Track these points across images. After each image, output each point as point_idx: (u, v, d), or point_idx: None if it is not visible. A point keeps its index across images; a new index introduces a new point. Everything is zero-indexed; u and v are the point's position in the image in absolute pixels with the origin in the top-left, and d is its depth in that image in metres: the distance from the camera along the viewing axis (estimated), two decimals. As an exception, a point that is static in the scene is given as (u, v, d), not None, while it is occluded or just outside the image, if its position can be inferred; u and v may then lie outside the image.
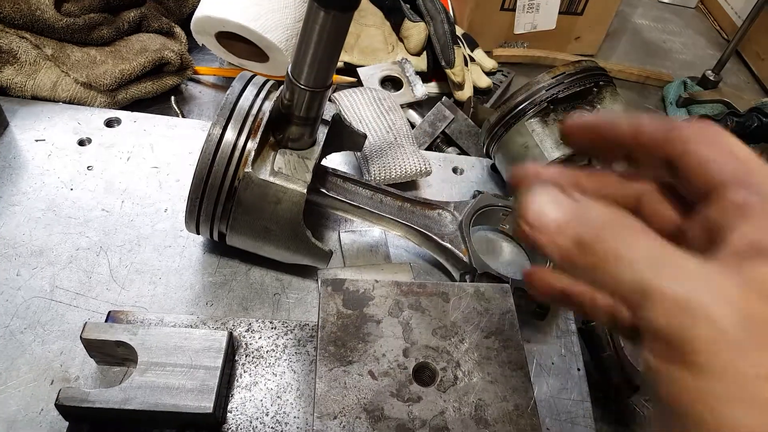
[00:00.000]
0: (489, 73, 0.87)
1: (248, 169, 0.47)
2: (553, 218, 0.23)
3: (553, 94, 0.60)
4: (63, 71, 0.68)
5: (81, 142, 0.64)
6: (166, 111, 0.74)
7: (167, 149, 0.65)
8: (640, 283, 0.21)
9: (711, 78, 0.95)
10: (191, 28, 0.72)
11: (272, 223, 0.49)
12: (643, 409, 0.57)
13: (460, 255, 0.55)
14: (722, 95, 0.92)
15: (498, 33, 0.92)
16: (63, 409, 0.41)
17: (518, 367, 0.43)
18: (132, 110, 0.69)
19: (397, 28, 0.84)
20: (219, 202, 0.48)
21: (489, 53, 0.91)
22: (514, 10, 0.90)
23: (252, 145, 0.48)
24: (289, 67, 0.45)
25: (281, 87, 0.50)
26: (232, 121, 0.48)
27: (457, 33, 0.84)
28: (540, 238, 0.23)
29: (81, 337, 0.44)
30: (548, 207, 0.23)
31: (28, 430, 0.44)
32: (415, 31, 0.80)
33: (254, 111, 0.49)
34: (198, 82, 0.80)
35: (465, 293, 0.48)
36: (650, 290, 0.20)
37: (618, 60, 1.03)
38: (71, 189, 0.60)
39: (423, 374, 0.42)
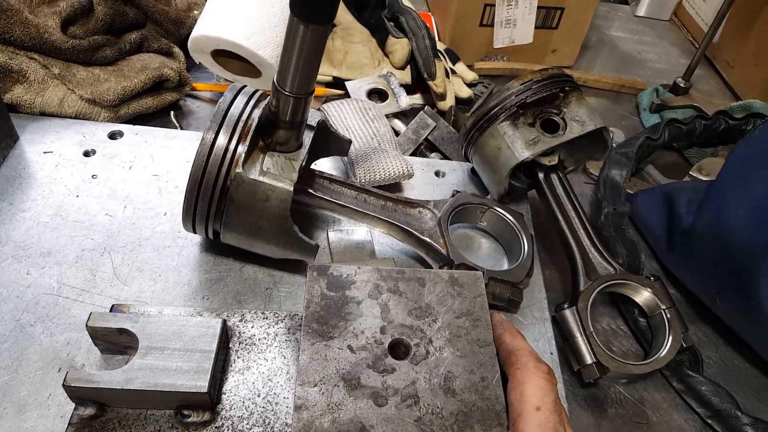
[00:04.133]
0: (470, 85, 0.93)
1: (239, 170, 0.52)
2: None
3: (522, 99, 0.64)
4: (69, 89, 0.74)
5: (86, 153, 0.69)
6: (166, 125, 0.79)
7: (167, 158, 0.70)
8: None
9: (681, 84, 1.01)
10: (188, 47, 0.77)
11: (262, 219, 0.53)
12: (611, 391, 0.60)
13: (439, 248, 0.59)
14: (693, 101, 0.97)
15: (478, 47, 0.98)
16: (70, 389, 0.45)
17: (486, 344, 0.47)
18: (134, 124, 0.74)
19: (382, 44, 0.89)
20: (213, 200, 0.53)
21: (471, 66, 0.97)
22: (492, 25, 0.96)
23: (242, 149, 0.52)
24: (275, 76, 0.50)
25: (269, 96, 0.55)
26: (223, 126, 0.53)
27: (439, 48, 0.90)
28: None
29: (86, 325, 0.48)
30: None
31: (37, 412, 0.47)
32: (399, 46, 0.86)
33: (244, 117, 0.54)
34: (196, 98, 0.85)
35: (440, 279, 0.51)
36: None
37: (597, 71, 1.09)
38: (77, 196, 0.64)
39: (398, 349, 0.46)
